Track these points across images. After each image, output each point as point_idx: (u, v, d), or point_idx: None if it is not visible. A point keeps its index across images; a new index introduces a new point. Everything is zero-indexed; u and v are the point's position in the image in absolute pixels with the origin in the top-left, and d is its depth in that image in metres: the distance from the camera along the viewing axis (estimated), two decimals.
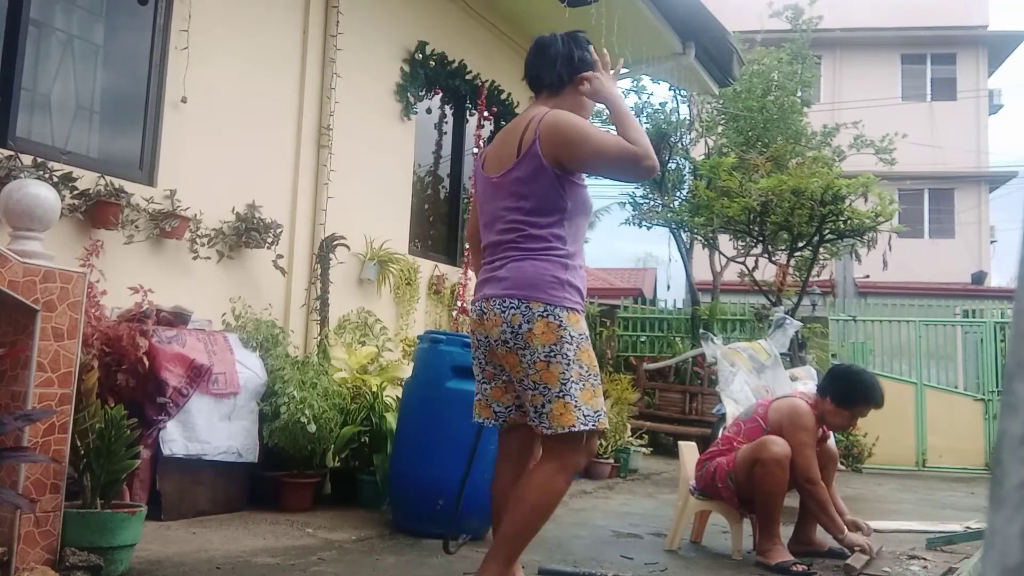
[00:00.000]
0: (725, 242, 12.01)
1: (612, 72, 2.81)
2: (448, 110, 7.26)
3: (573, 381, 2.50)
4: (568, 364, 2.50)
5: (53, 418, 2.74)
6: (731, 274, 13.07)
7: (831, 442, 4.42)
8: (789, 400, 4.14)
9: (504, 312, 2.54)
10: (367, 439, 4.67)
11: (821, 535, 4.25)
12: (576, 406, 2.50)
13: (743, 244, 10.57)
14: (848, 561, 3.81)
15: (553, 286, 2.52)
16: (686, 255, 14.83)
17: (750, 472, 3.91)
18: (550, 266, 2.54)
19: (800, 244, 9.41)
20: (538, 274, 2.53)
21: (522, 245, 2.58)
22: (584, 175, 2.69)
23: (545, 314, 2.50)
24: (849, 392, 4.05)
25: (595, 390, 2.55)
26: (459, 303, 6.77)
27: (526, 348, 2.51)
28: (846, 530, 3.97)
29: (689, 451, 4.50)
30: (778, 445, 3.87)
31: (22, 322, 2.77)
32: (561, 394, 2.50)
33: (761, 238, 9.65)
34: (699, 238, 12.63)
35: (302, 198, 5.47)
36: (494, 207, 2.67)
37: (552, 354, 2.50)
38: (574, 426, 2.49)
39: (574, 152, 2.55)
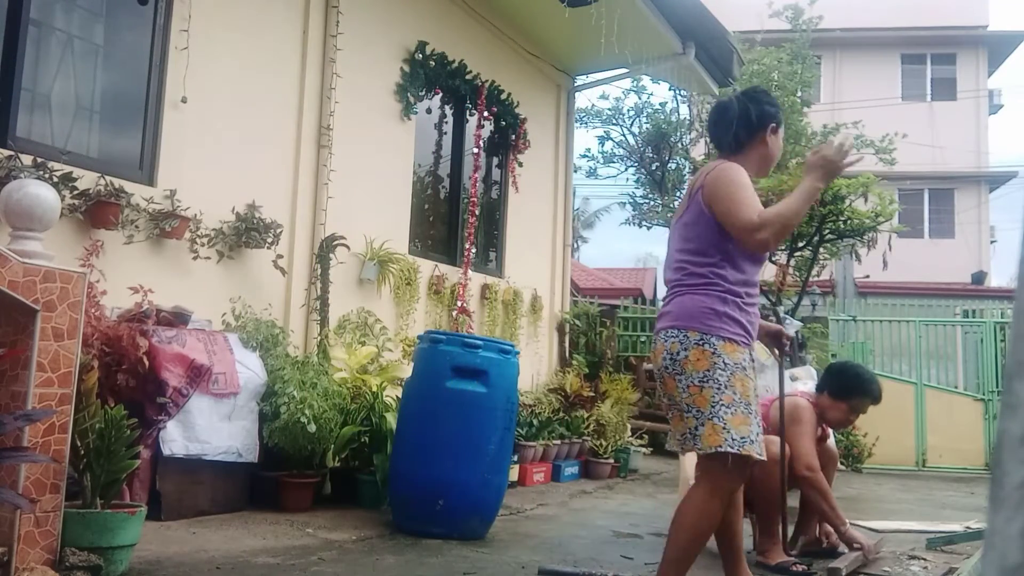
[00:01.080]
0: None
1: (843, 161, 2.85)
2: (448, 110, 7.26)
3: (724, 405, 2.64)
4: (720, 389, 2.64)
5: (53, 418, 2.74)
6: None
7: (831, 442, 4.42)
8: (789, 399, 4.14)
9: (666, 342, 2.73)
10: (367, 439, 4.67)
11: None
12: (725, 428, 2.62)
13: None
14: (833, 564, 3.76)
15: (709, 316, 2.68)
16: None
17: (750, 472, 3.91)
18: (708, 299, 2.70)
19: (800, 244, 9.41)
20: (696, 306, 2.71)
21: (685, 282, 2.77)
22: None
23: (701, 342, 2.67)
24: (845, 384, 4.07)
25: (746, 418, 2.65)
26: (459, 303, 6.77)
27: (682, 373, 2.68)
28: (848, 523, 3.94)
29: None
30: (776, 445, 3.87)
31: (22, 322, 2.77)
32: (711, 416, 2.64)
33: None
34: None
35: (302, 198, 5.47)
36: (671, 249, 2.90)
37: (705, 379, 2.65)
38: (721, 446, 2.61)
39: (714, 205, 2.73)
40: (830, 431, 4.38)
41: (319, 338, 5.25)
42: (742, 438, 2.62)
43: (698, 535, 2.69)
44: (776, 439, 3.91)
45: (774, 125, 2.88)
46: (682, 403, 2.69)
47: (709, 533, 2.72)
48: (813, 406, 4.08)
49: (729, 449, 2.60)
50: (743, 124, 2.85)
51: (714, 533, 2.89)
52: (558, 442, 6.67)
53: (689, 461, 4.40)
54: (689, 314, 2.70)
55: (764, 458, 2.68)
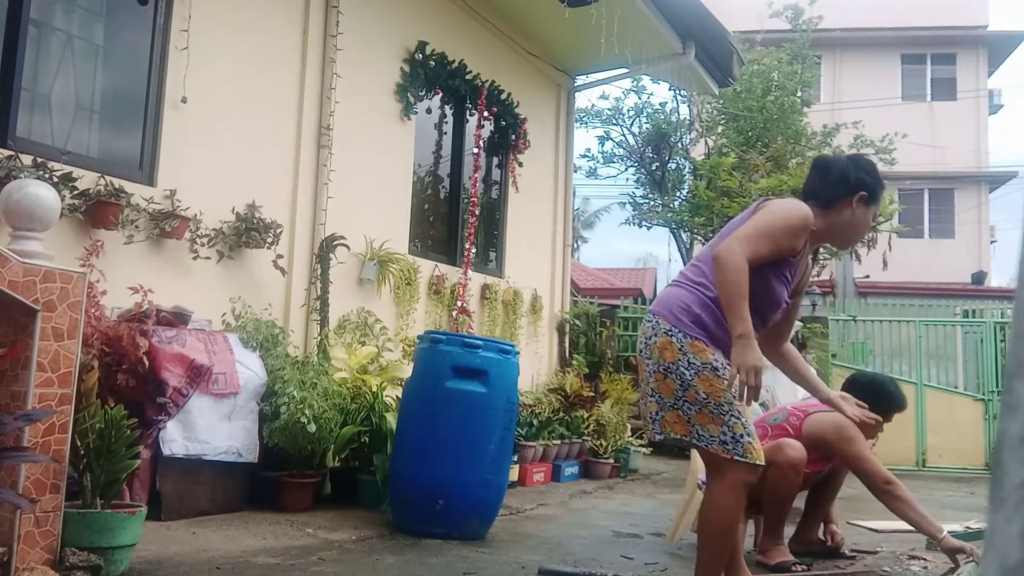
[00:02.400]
0: None
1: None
2: (448, 110, 7.26)
3: (688, 402, 2.62)
4: (683, 387, 2.62)
5: (53, 418, 2.74)
6: None
7: None
8: (831, 415, 3.96)
9: (644, 325, 2.78)
10: (367, 439, 4.67)
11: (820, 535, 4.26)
12: (690, 422, 2.62)
13: None
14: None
15: (681, 311, 2.67)
16: (686, 255, 14.82)
17: (763, 473, 3.90)
18: (688, 295, 2.70)
19: None
20: (674, 298, 2.72)
21: (683, 278, 2.81)
22: (790, 275, 2.76)
23: (669, 333, 2.66)
24: (882, 404, 4.06)
25: (716, 418, 2.58)
26: (459, 303, 6.77)
27: (650, 358, 2.70)
28: (945, 531, 3.73)
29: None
30: (794, 449, 3.85)
31: (22, 322, 2.77)
32: (675, 406, 2.64)
33: None
34: (699, 238, 12.63)
35: (302, 198, 5.47)
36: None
37: (669, 371, 2.64)
38: (687, 436, 2.63)
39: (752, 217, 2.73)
40: None
41: (319, 338, 5.25)
42: (710, 436, 2.58)
43: (719, 532, 2.66)
44: (793, 443, 3.89)
45: (865, 194, 2.80)
46: (647, 387, 2.72)
47: (731, 529, 2.67)
48: None
49: (696, 442, 2.62)
50: (840, 181, 2.80)
51: None
52: (558, 442, 6.67)
53: (700, 460, 4.40)
54: (666, 304, 2.73)
55: (743, 459, 2.57)
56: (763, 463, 2.64)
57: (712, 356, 2.60)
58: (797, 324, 7.85)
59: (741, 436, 2.57)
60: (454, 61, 6.92)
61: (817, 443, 3.93)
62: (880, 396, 4.09)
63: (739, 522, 2.70)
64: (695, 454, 4.44)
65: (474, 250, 7.18)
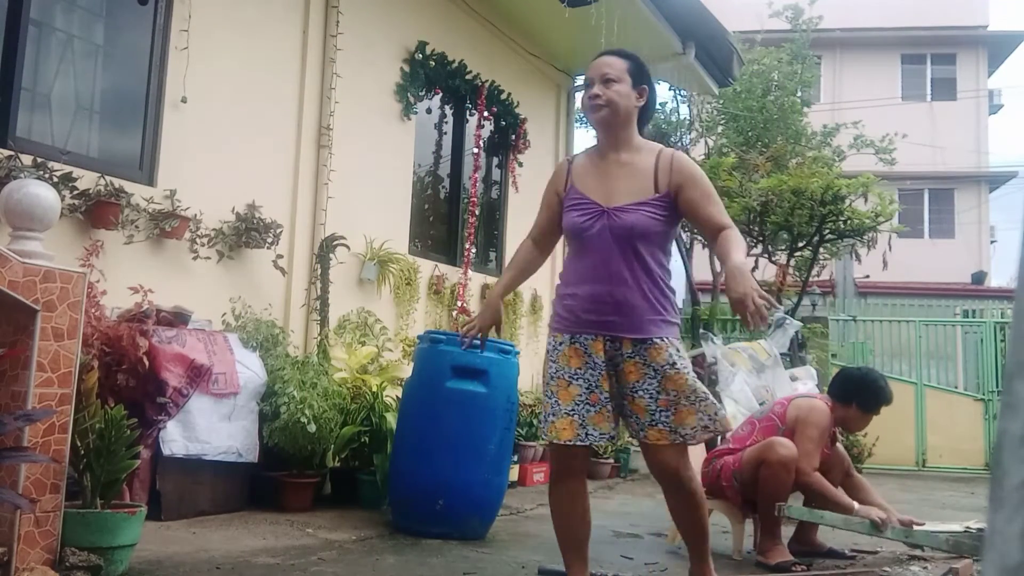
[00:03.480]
0: None
1: None
2: (448, 110, 7.26)
3: None
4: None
5: (53, 418, 2.74)
6: None
7: (839, 445, 4.43)
8: (808, 400, 4.17)
9: None
10: (367, 439, 4.67)
11: (821, 535, 4.26)
12: None
13: None
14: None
15: None
16: (686, 255, 14.78)
17: (755, 473, 3.92)
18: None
19: (800, 244, 9.41)
20: None
21: None
22: (572, 200, 2.87)
23: None
24: (875, 398, 4.15)
25: (544, 400, 2.80)
26: (459, 303, 6.77)
27: None
28: (856, 506, 3.90)
29: (695, 449, 4.49)
30: (785, 447, 3.87)
31: (22, 322, 2.77)
32: None
33: (761, 238, 9.65)
34: (699, 238, 12.61)
35: (302, 198, 5.47)
36: None
37: None
38: None
39: None
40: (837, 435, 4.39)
41: (319, 338, 5.25)
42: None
43: (555, 521, 2.82)
44: (784, 441, 3.91)
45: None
46: None
47: (558, 517, 2.81)
48: (831, 408, 4.10)
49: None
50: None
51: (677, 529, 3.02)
52: None
53: (695, 457, 4.39)
54: None
55: (547, 437, 2.73)
56: (559, 441, 2.70)
57: (549, 341, 2.83)
58: (797, 324, 7.86)
59: (548, 416, 2.75)
60: (454, 61, 6.92)
61: (795, 427, 4.00)
62: (869, 389, 4.17)
63: (564, 507, 2.79)
64: (690, 456, 4.44)
65: (474, 250, 7.17)
